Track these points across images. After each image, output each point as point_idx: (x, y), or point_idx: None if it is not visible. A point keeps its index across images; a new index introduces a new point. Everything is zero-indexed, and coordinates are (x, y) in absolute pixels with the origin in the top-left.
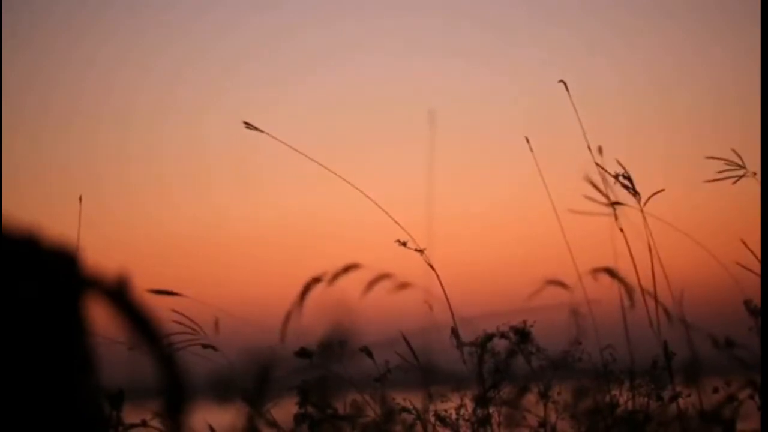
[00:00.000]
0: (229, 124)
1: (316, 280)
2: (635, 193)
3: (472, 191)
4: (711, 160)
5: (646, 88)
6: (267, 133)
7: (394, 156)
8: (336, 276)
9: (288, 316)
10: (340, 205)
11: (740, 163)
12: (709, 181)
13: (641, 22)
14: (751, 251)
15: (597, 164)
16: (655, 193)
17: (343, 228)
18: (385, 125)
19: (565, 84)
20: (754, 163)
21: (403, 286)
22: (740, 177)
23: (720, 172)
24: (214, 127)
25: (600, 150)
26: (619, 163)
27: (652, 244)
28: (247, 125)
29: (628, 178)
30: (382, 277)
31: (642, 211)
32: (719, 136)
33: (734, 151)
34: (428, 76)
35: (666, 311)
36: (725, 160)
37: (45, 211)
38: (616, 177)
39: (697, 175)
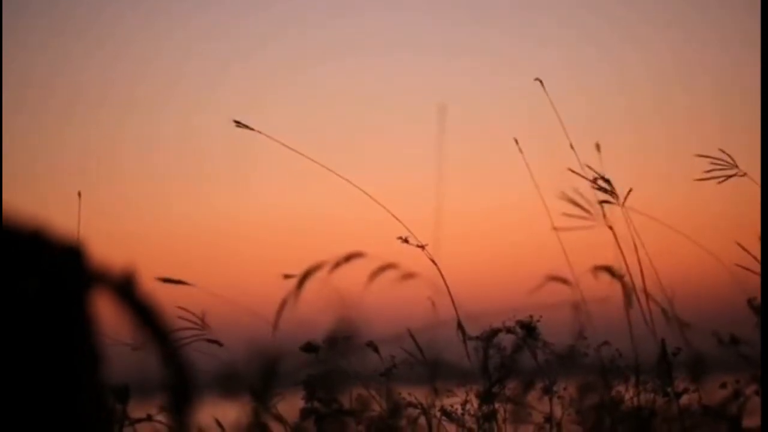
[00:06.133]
0: (230, 118)
1: (315, 268)
2: (613, 194)
3: (479, 187)
4: (706, 158)
5: (647, 84)
6: (258, 131)
7: (402, 152)
8: (337, 264)
9: (283, 305)
10: (346, 200)
11: (731, 162)
12: (699, 179)
13: (649, 21)
14: (749, 252)
15: (571, 170)
16: (629, 192)
17: (349, 224)
18: (393, 120)
19: (541, 82)
20: (750, 162)
21: (409, 276)
22: (729, 176)
23: (708, 171)
24: (213, 121)
25: (597, 147)
26: (592, 169)
27: (637, 241)
28: (238, 123)
29: (607, 180)
30: (387, 266)
31: (623, 208)
32: (719, 133)
33: (722, 150)
34: (435, 73)
35: (663, 308)
36: (714, 158)
37: (42, 206)
38: (594, 181)
39: (695, 172)
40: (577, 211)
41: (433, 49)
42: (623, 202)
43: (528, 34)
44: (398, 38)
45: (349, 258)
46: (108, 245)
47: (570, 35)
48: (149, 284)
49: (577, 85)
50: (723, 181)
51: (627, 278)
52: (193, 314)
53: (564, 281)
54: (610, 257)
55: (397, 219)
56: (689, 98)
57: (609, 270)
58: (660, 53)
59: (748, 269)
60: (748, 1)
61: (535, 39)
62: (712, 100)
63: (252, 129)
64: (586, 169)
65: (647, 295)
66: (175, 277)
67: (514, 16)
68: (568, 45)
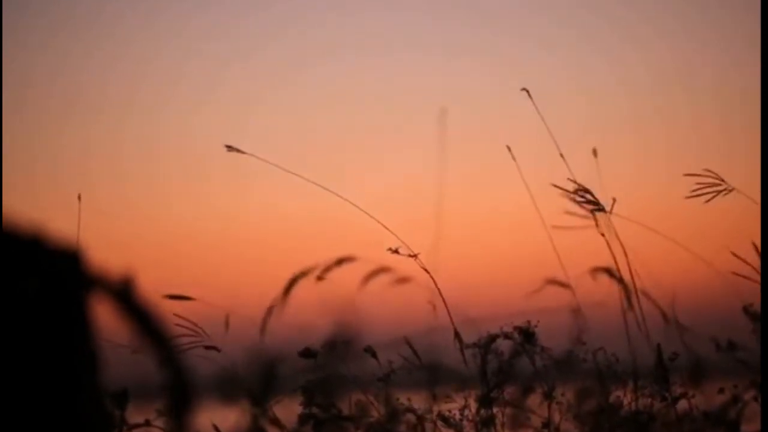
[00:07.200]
0: (229, 120)
1: (302, 274)
2: (596, 206)
3: (477, 190)
4: (693, 176)
5: (647, 85)
6: (250, 154)
7: (402, 152)
8: (328, 269)
9: (269, 311)
10: (344, 206)
11: (717, 180)
12: (688, 197)
13: (651, 24)
14: (744, 261)
15: (555, 185)
16: (614, 202)
17: (346, 228)
18: (393, 121)
19: (527, 92)
20: (753, 163)
21: (403, 280)
22: (716, 194)
23: (694, 190)
24: (213, 121)
25: (594, 152)
26: (574, 182)
27: (628, 248)
28: (229, 148)
29: (588, 192)
30: (381, 270)
31: (611, 215)
32: (719, 133)
33: (709, 170)
34: (435, 73)
35: (662, 311)
36: (701, 175)
37: (42, 207)
38: (574, 192)
39: (689, 182)
40: (576, 209)
41: (433, 49)
42: (610, 210)
43: (528, 34)
44: (398, 38)
45: (340, 262)
46: (107, 247)
47: (570, 36)
48: (149, 293)
49: (576, 86)
50: (710, 199)
51: (624, 281)
52: (192, 322)
53: (562, 284)
54: (604, 263)
55: (387, 229)
56: (689, 99)
57: (607, 271)
58: (660, 53)
59: (743, 276)
60: (748, 1)
61: (535, 39)
62: (712, 100)
63: (243, 152)
64: (577, 177)
65: (639, 298)
66: (180, 293)
67: (515, 16)
68: (569, 45)
